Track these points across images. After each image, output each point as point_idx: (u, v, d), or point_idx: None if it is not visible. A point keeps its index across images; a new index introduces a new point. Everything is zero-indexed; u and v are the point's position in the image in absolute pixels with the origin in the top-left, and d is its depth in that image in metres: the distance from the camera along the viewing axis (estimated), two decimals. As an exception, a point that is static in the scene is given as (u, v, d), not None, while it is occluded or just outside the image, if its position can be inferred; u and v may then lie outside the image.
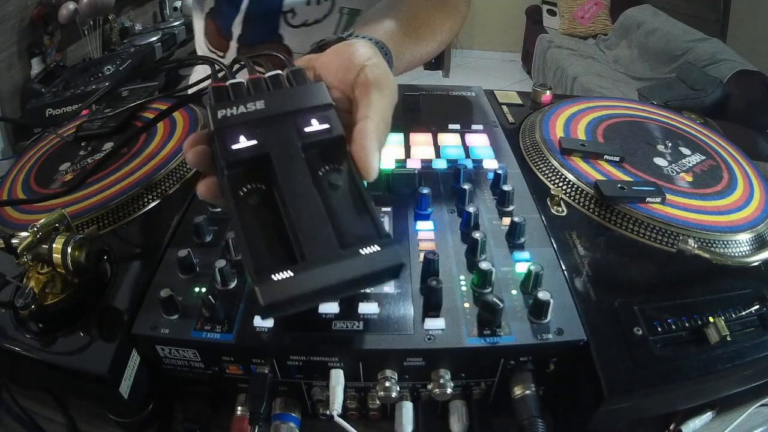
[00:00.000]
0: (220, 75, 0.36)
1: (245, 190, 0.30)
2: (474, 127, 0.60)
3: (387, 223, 0.45)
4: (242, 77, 0.33)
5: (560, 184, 0.49)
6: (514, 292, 0.38)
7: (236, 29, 0.74)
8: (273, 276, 0.26)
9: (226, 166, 0.29)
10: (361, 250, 0.28)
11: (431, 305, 0.37)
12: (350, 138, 0.31)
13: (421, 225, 0.44)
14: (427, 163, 0.53)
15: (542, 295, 0.36)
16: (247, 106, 0.31)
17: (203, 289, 0.39)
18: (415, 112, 0.62)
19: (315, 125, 0.31)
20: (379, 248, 0.28)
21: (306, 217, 0.28)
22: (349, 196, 0.30)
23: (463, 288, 0.39)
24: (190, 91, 0.41)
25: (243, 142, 0.29)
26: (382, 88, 0.33)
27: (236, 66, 0.36)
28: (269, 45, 0.74)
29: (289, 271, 0.26)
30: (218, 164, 0.30)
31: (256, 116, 0.30)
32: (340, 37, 0.37)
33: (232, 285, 0.39)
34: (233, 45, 0.76)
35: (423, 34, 0.54)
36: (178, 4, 2.22)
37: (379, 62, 0.34)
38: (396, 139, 0.56)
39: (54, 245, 0.37)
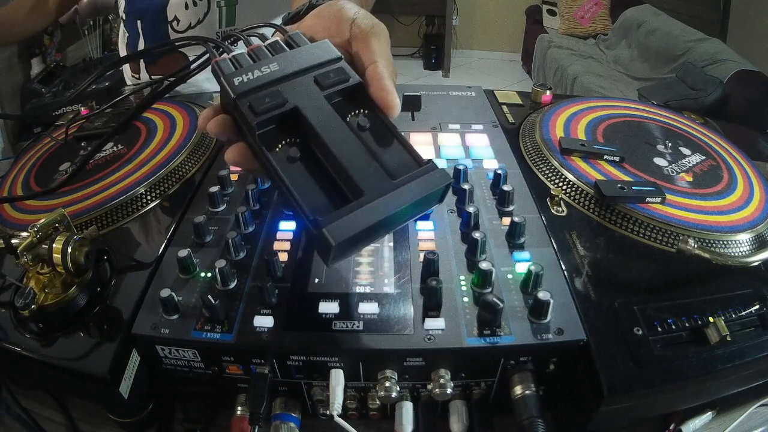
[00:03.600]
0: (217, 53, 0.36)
1: (280, 146, 0.31)
2: (474, 127, 0.60)
3: None
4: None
5: (560, 184, 0.49)
6: (514, 292, 0.38)
7: (140, 48, 0.82)
8: (335, 217, 0.27)
9: (257, 126, 0.30)
10: (411, 177, 0.29)
11: (431, 305, 0.37)
12: (365, 84, 0.33)
13: (421, 225, 0.44)
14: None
15: (542, 295, 0.36)
16: (262, 69, 0.32)
17: (203, 289, 0.39)
18: (416, 112, 0.62)
19: (332, 77, 0.32)
20: (425, 173, 0.30)
21: (353, 158, 0.30)
22: (379, 135, 0.32)
23: (463, 288, 0.39)
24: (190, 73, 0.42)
25: (268, 102, 0.30)
26: (378, 34, 0.35)
27: (229, 40, 0.37)
28: (170, 56, 0.81)
29: (349, 209, 0.28)
30: (247, 127, 0.31)
31: (273, 77, 0.32)
32: (311, 4, 0.38)
33: (232, 285, 0.39)
34: (142, 64, 0.84)
35: None
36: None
37: (365, 13, 0.36)
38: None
39: (54, 245, 0.37)
